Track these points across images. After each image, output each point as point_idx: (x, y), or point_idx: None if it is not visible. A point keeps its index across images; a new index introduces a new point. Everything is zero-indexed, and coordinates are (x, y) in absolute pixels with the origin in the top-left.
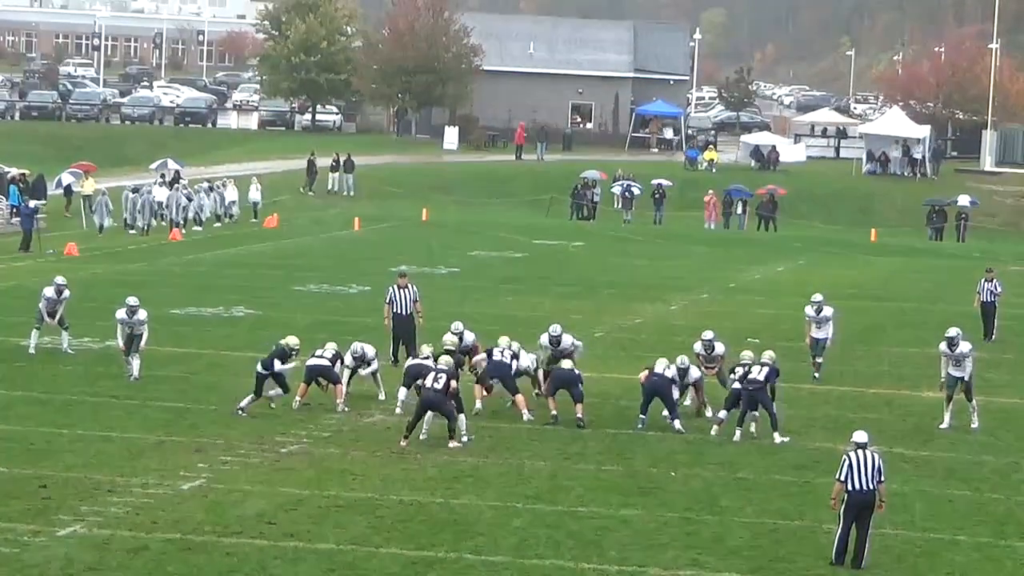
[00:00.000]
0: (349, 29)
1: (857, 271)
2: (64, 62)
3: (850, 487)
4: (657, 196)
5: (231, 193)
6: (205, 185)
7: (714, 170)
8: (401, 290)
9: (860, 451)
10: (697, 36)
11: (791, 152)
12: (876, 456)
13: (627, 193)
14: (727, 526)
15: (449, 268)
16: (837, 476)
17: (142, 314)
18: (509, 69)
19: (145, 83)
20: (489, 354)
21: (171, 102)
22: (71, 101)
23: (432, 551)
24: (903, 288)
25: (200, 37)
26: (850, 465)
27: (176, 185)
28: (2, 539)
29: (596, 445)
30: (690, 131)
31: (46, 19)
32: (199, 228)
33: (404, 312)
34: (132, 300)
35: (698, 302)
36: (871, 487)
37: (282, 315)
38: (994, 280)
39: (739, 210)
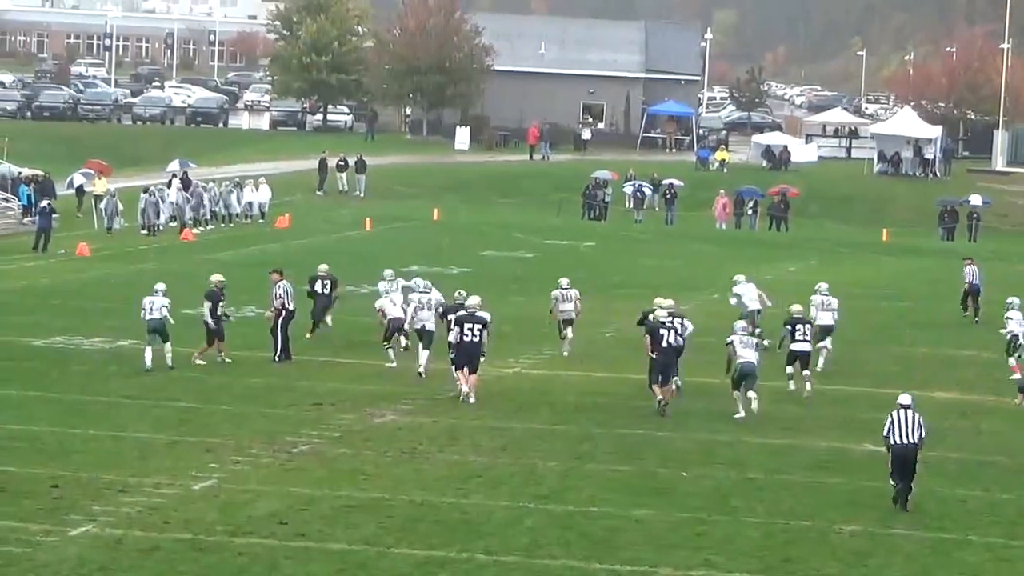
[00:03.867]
0: (360, 29)
1: (869, 271)
2: (75, 62)
3: (893, 441)
4: (668, 196)
5: (263, 193)
6: (227, 184)
7: (725, 170)
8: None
9: (903, 410)
10: (709, 36)
11: (803, 152)
12: (918, 415)
13: (638, 193)
14: (738, 526)
15: (460, 268)
16: (883, 433)
17: (164, 301)
18: (520, 69)
19: (156, 83)
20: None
21: (182, 102)
22: (83, 101)
23: (443, 551)
24: (914, 288)
25: (211, 37)
26: (892, 423)
27: (181, 186)
28: (14, 539)
29: (607, 445)
30: (701, 131)
31: (58, 19)
32: (200, 228)
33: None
34: (160, 286)
35: (709, 302)
36: (912, 441)
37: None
38: (974, 265)
39: (751, 210)
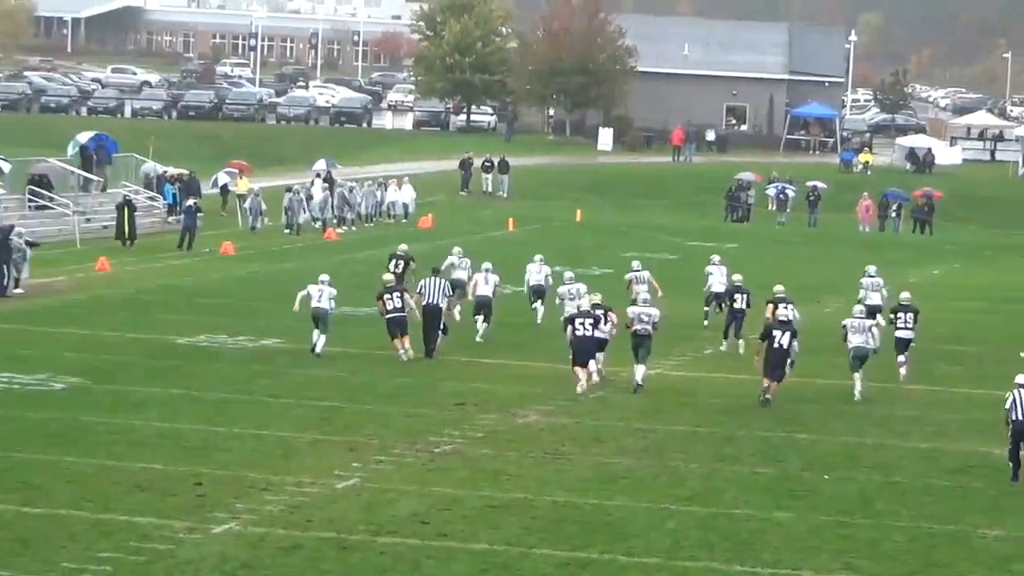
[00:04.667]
0: (504, 30)
1: (1014, 275)
2: (221, 62)
3: (1014, 417)
4: (812, 198)
5: (407, 193)
6: (370, 184)
7: (869, 172)
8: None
9: (1021, 389)
10: (853, 38)
11: (947, 155)
12: None
13: (781, 195)
14: (881, 530)
15: (602, 269)
16: (1005, 407)
17: (331, 291)
18: (663, 70)
19: (301, 83)
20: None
21: (327, 102)
22: (227, 101)
23: (585, 552)
24: None
25: (356, 37)
26: (1013, 400)
27: (326, 185)
28: (158, 535)
29: (750, 447)
30: (845, 133)
31: (204, 20)
32: (344, 228)
33: (434, 301)
34: (325, 276)
35: (852, 304)
36: None
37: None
38: None
39: (894, 213)
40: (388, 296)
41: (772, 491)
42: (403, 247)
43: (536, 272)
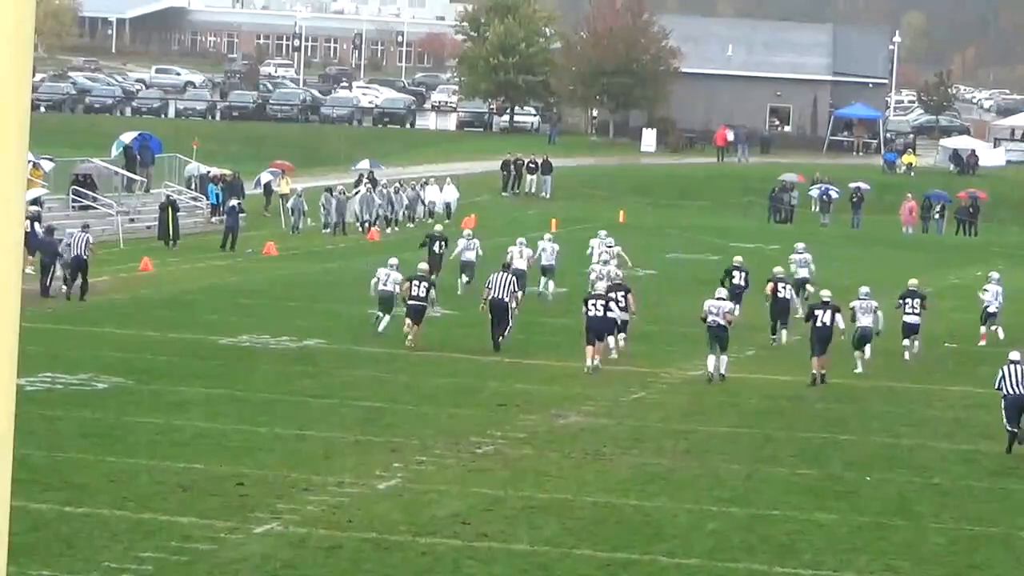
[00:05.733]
0: (548, 31)
1: None
2: (264, 63)
3: (1006, 392)
4: (855, 200)
5: (450, 193)
6: (396, 184)
7: (912, 174)
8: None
9: (1014, 365)
10: (897, 39)
11: (990, 156)
12: None
13: (825, 196)
14: (921, 532)
15: (646, 270)
16: (995, 385)
17: (397, 276)
18: (707, 71)
19: (344, 84)
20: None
21: (370, 103)
22: (271, 101)
23: (625, 553)
24: None
25: (399, 38)
26: (1004, 376)
27: (369, 185)
28: (200, 535)
29: (790, 448)
30: (889, 135)
31: (248, 20)
32: (388, 228)
33: (501, 296)
34: (394, 260)
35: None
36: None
37: (478, 315)
38: None
39: (937, 214)
40: (416, 283)
41: (812, 492)
42: (438, 227)
43: (518, 256)
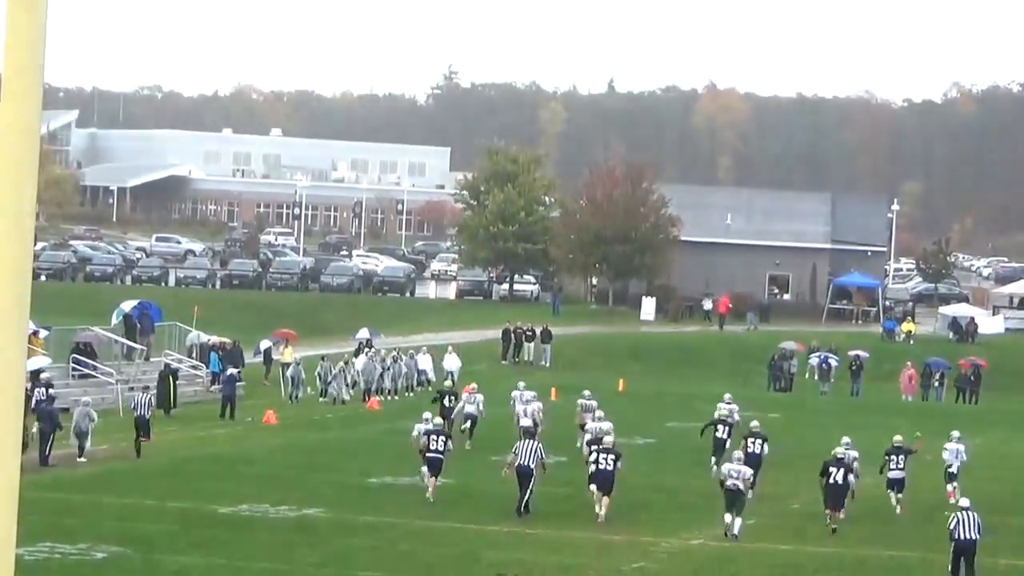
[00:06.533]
0: (547, 199)
1: None
2: (265, 231)
3: (959, 536)
4: (854, 368)
5: (452, 362)
6: (394, 353)
7: (912, 342)
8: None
9: (964, 512)
10: (895, 207)
11: (989, 324)
12: (976, 515)
13: (824, 365)
14: None
15: (645, 439)
16: (948, 527)
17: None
18: (706, 240)
19: (344, 252)
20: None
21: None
22: (271, 270)
23: None
24: None
25: (399, 206)
26: (958, 521)
27: (370, 352)
28: None
29: None
30: (888, 302)
31: (248, 188)
32: (386, 397)
33: (526, 463)
34: (427, 414)
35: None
36: (973, 537)
37: (481, 484)
38: None
39: (937, 382)
40: (435, 437)
41: None
42: (448, 383)
43: (524, 416)
